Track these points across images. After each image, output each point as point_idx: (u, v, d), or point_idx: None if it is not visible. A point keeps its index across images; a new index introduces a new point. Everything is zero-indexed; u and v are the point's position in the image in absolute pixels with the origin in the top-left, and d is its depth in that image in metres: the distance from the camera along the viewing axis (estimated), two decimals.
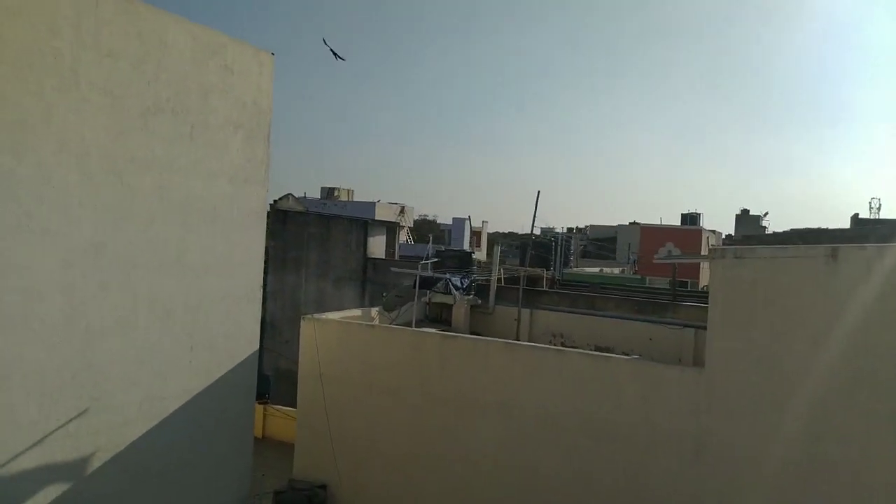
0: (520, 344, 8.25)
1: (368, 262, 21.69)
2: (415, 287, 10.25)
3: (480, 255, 45.11)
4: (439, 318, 11.97)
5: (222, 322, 7.82)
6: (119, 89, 6.46)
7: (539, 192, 11.27)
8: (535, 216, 11.04)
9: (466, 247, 44.31)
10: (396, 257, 24.49)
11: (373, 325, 9.18)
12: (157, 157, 6.88)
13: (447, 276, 10.84)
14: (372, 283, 21.83)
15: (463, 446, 8.12)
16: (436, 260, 11.58)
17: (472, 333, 10.99)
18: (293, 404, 12.67)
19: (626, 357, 7.96)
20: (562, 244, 19.76)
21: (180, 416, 7.32)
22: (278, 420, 14.30)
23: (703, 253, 32.86)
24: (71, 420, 6.22)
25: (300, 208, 22.72)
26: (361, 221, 21.62)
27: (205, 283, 7.55)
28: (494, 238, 48.36)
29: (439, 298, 11.76)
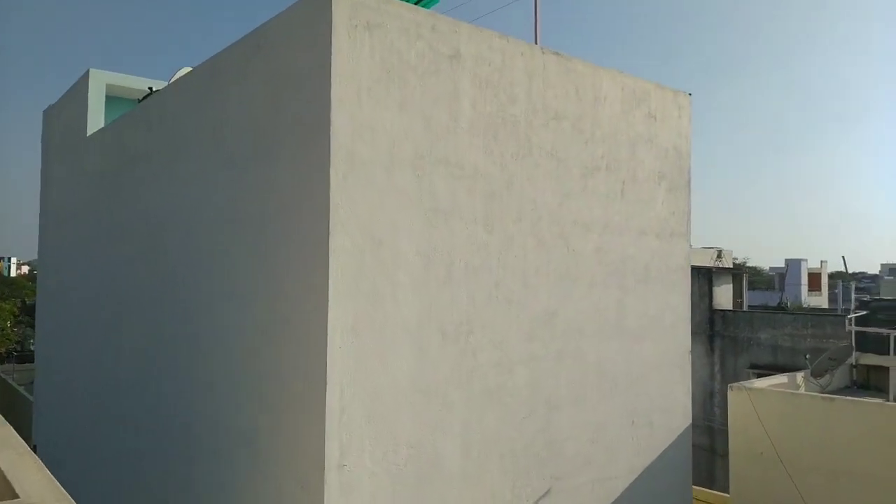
0: None
1: (715, 315, 19.79)
2: (891, 350, 8.46)
3: (821, 300, 39.28)
4: (867, 383, 9.89)
5: (658, 393, 7.06)
6: (562, 151, 6.23)
7: None
8: None
9: (805, 293, 38.94)
10: (744, 308, 22.07)
11: (832, 399, 7.65)
12: (595, 218, 6.49)
13: None
14: (721, 337, 19.83)
15: None
16: (863, 313, 9.62)
17: None
18: None
19: None
20: None
21: (626, 499, 6.63)
22: None
23: None
24: (537, 501, 5.87)
25: None
26: (705, 270, 19.89)
27: (641, 349, 6.90)
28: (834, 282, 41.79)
29: (867, 360, 9.71)
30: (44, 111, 12.91)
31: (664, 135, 7.24)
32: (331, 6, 4.71)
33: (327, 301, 4.66)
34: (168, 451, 6.88)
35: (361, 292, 4.85)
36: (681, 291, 7.40)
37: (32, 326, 37.64)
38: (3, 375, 24.54)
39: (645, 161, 7.02)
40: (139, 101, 9.17)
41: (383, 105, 5.01)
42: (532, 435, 5.86)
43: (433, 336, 5.25)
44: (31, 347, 36.44)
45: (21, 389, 21.44)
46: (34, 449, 12.04)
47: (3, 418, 3.05)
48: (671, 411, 7.19)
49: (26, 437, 13.33)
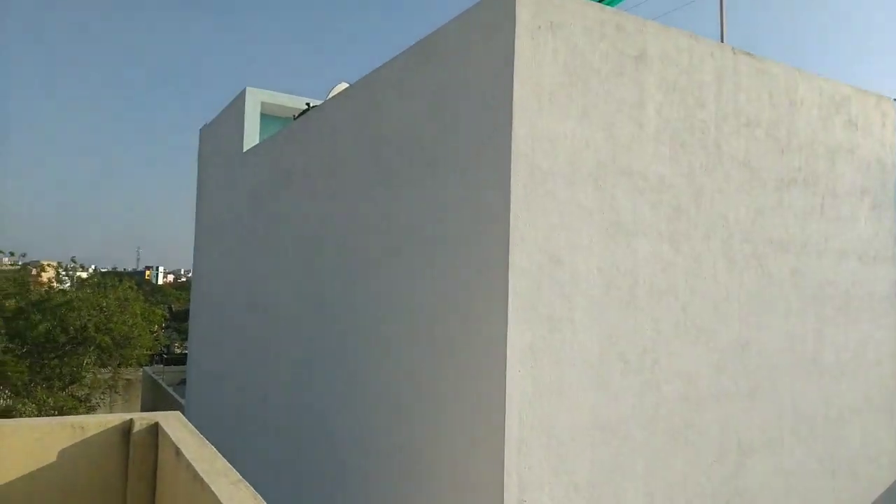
0: None
1: None
2: None
3: None
4: None
5: (861, 440, 6.14)
6: (755, 161, 5.55)
7: None
8: None
9: None
10: None
11: None
12: (791, 237, 5.75)
13: None
14: None
15: None
16: None
17: None
18: None
19: None
20: None
21: None
22: None
23: None
24: None
25: None
26: None
27: (841, 388, 6.02)
28: None
29: None
30: (200, 129, 13.64)
31: (866, 145, 6.36)
32: (514, 5, 4.39)
33: (507, 321, 4.29)
34: (315, 469, 6.78)
35: (539, 315, 4.45)
36: (887, 324, 6.43)
37: (178, 331, 40.43)
38: (154, 376, 26.31)
39: (845, 174, 6.18)
40: (294, 117, 9.35)
41: (565, 112, 4.61)
42: (722, 482, 5.19)
43: (614, 365, 4.75)
44: (176, 350, 39.15)
45: (170, 390, 22.87)
46: None
47: (203, 438, 2.92)
48: (876, 461, 6.23)
49: None
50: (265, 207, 9.12)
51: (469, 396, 4.58)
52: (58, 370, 24.16)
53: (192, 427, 3.04)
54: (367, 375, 5.96)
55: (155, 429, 3.09)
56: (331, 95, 8.32)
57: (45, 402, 21.87)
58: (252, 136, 10.60)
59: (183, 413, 13.36)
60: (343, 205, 6.77)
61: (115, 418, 3.14)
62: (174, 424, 3.02)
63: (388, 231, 5.82)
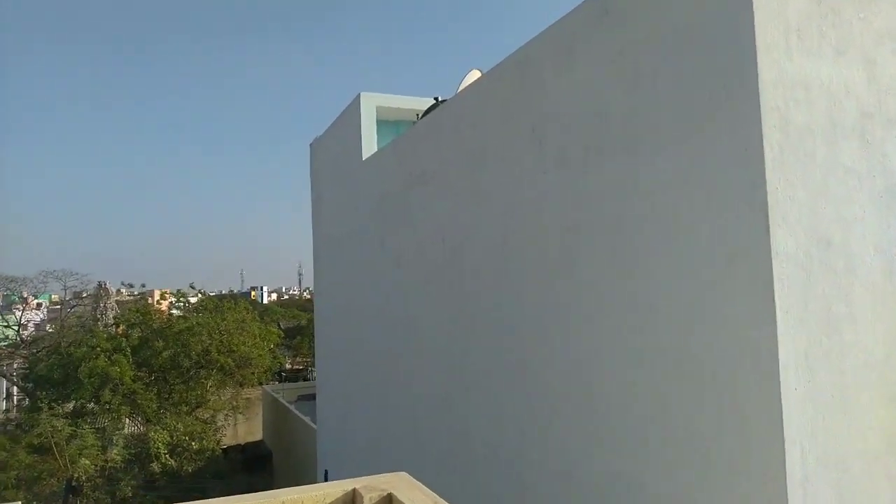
0: None
1: None
2: None
3: None
4: None
5: None
6: None
7: None
8: None
9: None
10: None
11: None
12: None
13: None
14: None
15: None
16: None
17: None
18: None
19: None
20: None
21: None
22: None
23: None
24: None
25: None
26: None
27: None
28: None
29: None
30: (310, 144, 13.28)
31: None
32: None
33: (775, 324, 3.32)
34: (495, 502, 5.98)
35: (811, 313, 3.44)
36: None
37: (289, 347, 41.16)
38: (273, 394, 26.56)
39: None
40: (419, 116, 8.66)
41: (817, 50, 3.59)
42: None
43: None
44: (288, 366, 39.79)
45: (291, 407, 22.89)
46: (325, 475, 12.18)
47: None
48: None
49: (311, 460, 13.65)
50: (394, 215, 8.47)
51: (724, 423, 3.62)
52: (184, 395, 24.77)
53: (435, 495, 2.30)
54: (557, 396, 5.09)
55: (388, 500, 2.37)
56: (463, 86, 7.55)
57: (175, 427, 22.38)
58: (370, 142, 10.03)
59: (315, 437, 12.93)
60: (492, 202, 5.97)
61: (335, 489, 2.45)
62: (414, 495, 2.28)
63: (571, 227, 4.93)
